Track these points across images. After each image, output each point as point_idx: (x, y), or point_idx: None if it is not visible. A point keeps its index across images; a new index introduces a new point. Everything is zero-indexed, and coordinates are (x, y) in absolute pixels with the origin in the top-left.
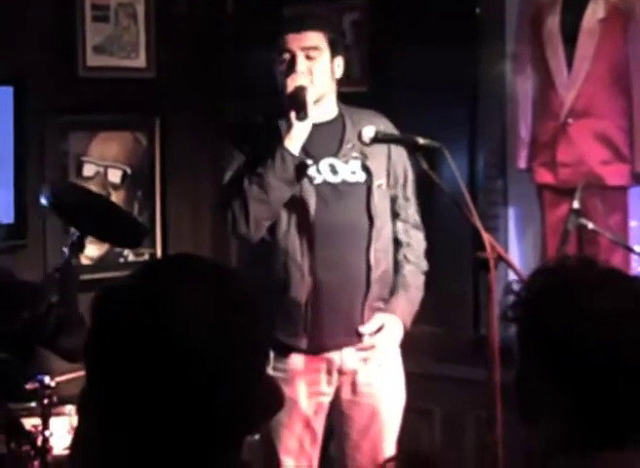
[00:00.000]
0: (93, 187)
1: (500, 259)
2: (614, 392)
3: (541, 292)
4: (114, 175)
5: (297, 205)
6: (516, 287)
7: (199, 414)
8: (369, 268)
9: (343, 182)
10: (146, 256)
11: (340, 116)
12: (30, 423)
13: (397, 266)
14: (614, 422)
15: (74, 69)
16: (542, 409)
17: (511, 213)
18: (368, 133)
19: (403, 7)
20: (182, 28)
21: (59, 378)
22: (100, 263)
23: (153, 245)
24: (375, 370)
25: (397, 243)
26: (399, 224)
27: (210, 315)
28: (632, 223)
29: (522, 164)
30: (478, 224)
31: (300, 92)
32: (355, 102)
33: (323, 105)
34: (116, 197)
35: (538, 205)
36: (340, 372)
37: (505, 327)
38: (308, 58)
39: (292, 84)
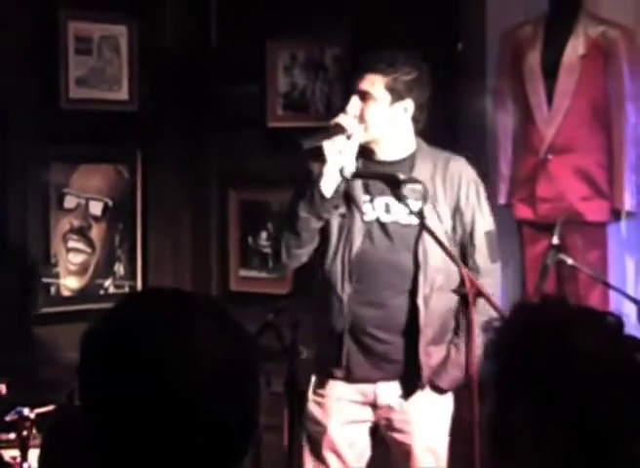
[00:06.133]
0: (74, 220)
1: (480, 294)
2: (597, 427)
3: (527, 330)
4: (95, 208)
5: (345, 238)
6: (496, 323)
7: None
8: (416, 311)
9: (395, 223)
10: (126, 289)
11: (411, 157)
12: (9, 455)
13: (456, 321)
14: (596, 457)
15: (57, 101)
16: (521, 444)
17: None
18: (349, 168)
19: (384, 42)
20: (165, 61)
21: (38, 410)
22: (80, 295)
23: (134, 277)
24: (412, 409)
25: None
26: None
27: (215, 358)
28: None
29: (502, 199)
30: (457, 260)
31: (332, 129)
32: None
33: (386, 147)
34: (97, 229)
35: (517, 240)
36: (375, 407)
37: (484, 361)
38: (362, 100)
39: (334, 121)
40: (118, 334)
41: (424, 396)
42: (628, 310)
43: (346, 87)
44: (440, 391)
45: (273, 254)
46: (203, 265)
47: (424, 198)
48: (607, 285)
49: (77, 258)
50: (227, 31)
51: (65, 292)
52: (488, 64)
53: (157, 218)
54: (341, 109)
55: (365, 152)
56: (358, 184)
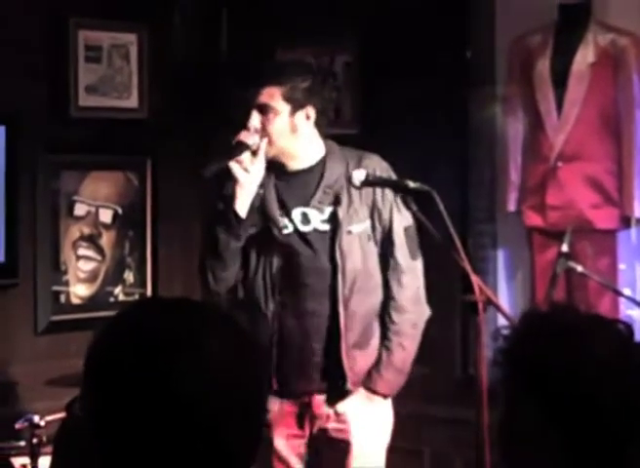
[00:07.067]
0: (84, 227)
1: (489, 302)
2: (607, 435)
3: (537, 338)
4: (105, 215)
5: (264, 254)
6: (505, 332)
7: (202, 459)
8: (336, 315)
9: (314, 231)
10: (136, 296)
11: (322, 162)
12: (19, 462)
13: (383, 324)
14: (605, 464)
15: (66, 109)
16: (531, 451)
17: (501, 255)
18: (359, 176)
19: (394, 49)
20: (175, 69)
21: (48, 418)
22: (90, 303)
23: (143, 284)
24: (350, 416)
25: (386, 296)
26: (390, 273)
27: (221, 367)
28: (621, 266)
29: (512, 206)
30: (467, 267)
31: (236, 147)
32: (345, 144)
33: (294, 157)
34: (107, 237)
35: (527, 248)
36: (313, 418)
37: (493, 368)
38: (263, 113)
39: (236, 139)
40: (124, 343)
41: (361, 402)
42: (639, 317)
43: (355, 93)
44: (380, 396)
45: (201, 282)
46: None
47: (337, 202)
48: (617, 292)
49: (87, 266)
50: (237, 39)
51: (75, 300)
52: (497, 72)
53: (167, 226)
54: (352, 117)
55: (276, 165)
56: (272, 199)
